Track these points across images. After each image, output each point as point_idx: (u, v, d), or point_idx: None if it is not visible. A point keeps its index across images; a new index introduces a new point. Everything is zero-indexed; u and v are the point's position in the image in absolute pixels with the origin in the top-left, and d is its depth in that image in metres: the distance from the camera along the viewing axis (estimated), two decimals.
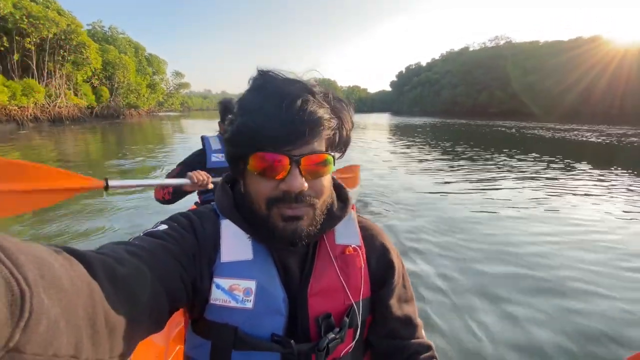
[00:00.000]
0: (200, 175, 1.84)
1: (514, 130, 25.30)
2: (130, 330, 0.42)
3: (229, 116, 0.64)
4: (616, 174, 8.26)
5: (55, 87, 35.74)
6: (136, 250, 0.51)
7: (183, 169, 2.13)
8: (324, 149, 0.60)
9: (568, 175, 8.18)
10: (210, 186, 1.87)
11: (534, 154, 11.72)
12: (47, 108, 33.45)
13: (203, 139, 2.30)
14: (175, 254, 0.56)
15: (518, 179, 7.73)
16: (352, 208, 0.74)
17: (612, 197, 6.19)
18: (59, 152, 13.30)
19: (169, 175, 2.16)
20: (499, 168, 9.12)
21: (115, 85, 47.58)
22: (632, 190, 6.67)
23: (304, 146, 0.57)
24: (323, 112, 0.57)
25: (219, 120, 2.22)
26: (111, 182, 1.62)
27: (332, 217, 0.68)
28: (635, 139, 17.73)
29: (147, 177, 7.93)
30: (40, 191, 1.42)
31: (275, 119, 0.55)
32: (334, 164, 0.62)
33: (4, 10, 29.01)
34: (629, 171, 8.63)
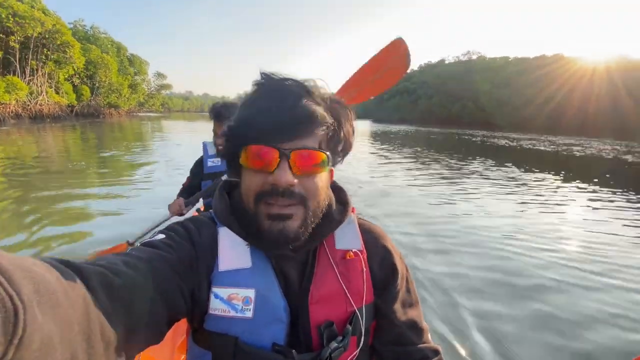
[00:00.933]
0: (174, 207, 2.23)
1: (477, 138, 27.69)
2: (127, 342, 0.42)
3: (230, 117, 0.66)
4: (546, 174, 10.22)
5: (37, 85, 35.79)
6: (133, 262, 0.50)
7: (190, 179, 2.40)
8: (317, 146, 0.59)
9: (500, 173, 10.03)
10: (184, 212, 2.21)
11: (482, 158, 13.75)
12: (29, 105, 33.47)
13: (204, 145, 2.36)
14: (173, 263, 0.55)
15: (457, 176, 9.54)
16: (352, 211, 0.73)
17: (525, 190, 8.03)
18: (42, 148, 13.78)
19: (183, 185, 2.42)
20: (448, 168, 10.96)
21: (97, 85, 47.58)
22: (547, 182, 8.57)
23: (295, 141, 0.56)
24: (316, 109, 0.57)
25: (213, 128, 2.24)
26: (130, 241, 2.30)
27: (331, 221, 0.67)
28: (578, 147, 20.25)
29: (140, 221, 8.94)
30: None
31: (267, 113, 0.56)
32: (329, 164, 0.61)
33: None
34: (557, 173, 10.64)
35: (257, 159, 0.57)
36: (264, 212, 0.58)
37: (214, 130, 2.19)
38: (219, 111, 2.07)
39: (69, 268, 0.37)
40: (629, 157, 16.50)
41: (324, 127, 0.59)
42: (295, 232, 0.59)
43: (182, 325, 1.46)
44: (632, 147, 22.74)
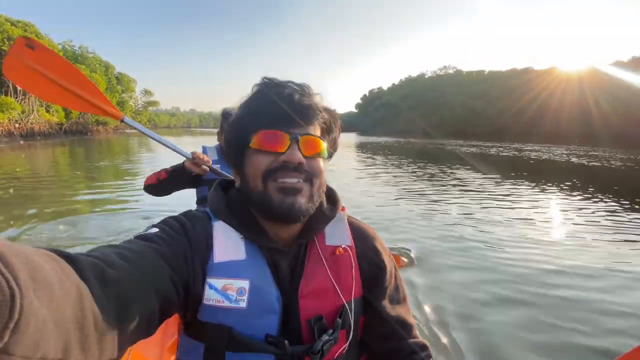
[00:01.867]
0: (203, 156, 1.81)
1: (450, 147, 29.58)
2: (120, 334, 0.42)
3: (231, 114, 0.70)
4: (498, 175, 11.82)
5: (29, 104, 36.72)
6: (126, 254, 0.50)
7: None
8: (319, 134, 0.66)
9: (459, 174, 11.55)
10: (206, 170, 1.82)
11: (450, 162, 15.49)
12: (20, 123, 34.40)
13: (203, 148, 2.20)
14: (166, 256, 0.56)
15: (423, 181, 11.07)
16: (343, 209, 0.76)
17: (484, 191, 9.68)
18: (35, 163, 14.45)
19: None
20: (413, 173, 12.48)
21: None
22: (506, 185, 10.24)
23: (302, 128, 0.63)
24: (316, 102, 0.65)
25: (218, 130, 2.13)
26: (126, 119, 1.85)
27: (323, 217, 0.71)
28: (538, 153, 22.31)
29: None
30: (78, 96, 1.63)
31: (277, 103, 0.62)
32: (327, 154, 0.67)
33: None
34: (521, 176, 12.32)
35: (269, 142, 0.62)
36: (274, 188, 0.61)
37: (220, 133, 2.11)
38: (229, 112, 2.02)
39: (63, 258, 0.37)
40: (581, 160, 18.52)
41: (323, 121, 0.67)
42: (305, 206, 0.62)
43: (171, 327, 1.46)
44: (589, 151, 24.95)
